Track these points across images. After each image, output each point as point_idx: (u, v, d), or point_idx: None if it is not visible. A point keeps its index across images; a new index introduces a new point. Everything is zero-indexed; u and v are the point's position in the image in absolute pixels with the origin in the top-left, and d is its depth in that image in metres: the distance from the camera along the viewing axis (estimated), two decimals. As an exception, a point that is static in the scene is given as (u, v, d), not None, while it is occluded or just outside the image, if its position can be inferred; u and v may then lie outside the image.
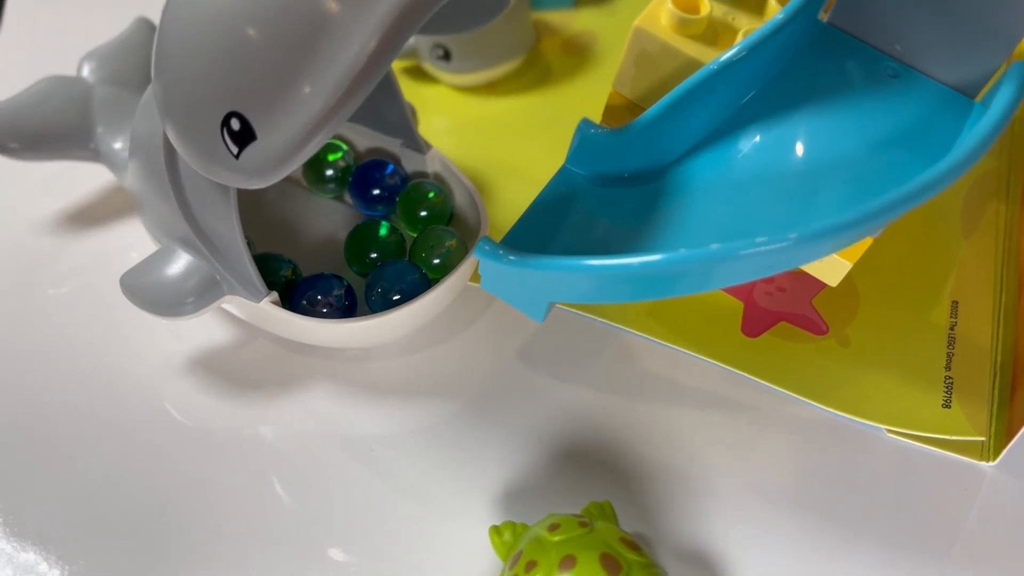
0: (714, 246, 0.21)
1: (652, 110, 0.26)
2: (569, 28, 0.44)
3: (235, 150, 0.23)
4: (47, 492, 0.28)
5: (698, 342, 0.31)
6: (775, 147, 0.25)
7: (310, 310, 0.29)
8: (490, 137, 0.39)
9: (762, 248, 0.20)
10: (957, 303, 0.31)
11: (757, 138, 0.25)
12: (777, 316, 0.31)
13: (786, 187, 0.24)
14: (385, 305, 0.29)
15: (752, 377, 0.30)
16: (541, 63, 0.42)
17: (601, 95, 0.40)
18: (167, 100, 0.24)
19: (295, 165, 0.22)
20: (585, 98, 0.40)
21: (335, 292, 0.29)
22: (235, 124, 0.22)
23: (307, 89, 0.21)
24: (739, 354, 0.30)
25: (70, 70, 0.36)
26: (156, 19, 0.37)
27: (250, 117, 0.22)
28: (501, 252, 0.23)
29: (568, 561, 0.22)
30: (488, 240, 0.24)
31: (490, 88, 0.41)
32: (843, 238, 0.21)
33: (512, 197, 0.36)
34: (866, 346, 0.31)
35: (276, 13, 0.21)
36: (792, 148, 0.25)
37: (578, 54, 0.43)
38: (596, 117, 0.39)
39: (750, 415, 0.30)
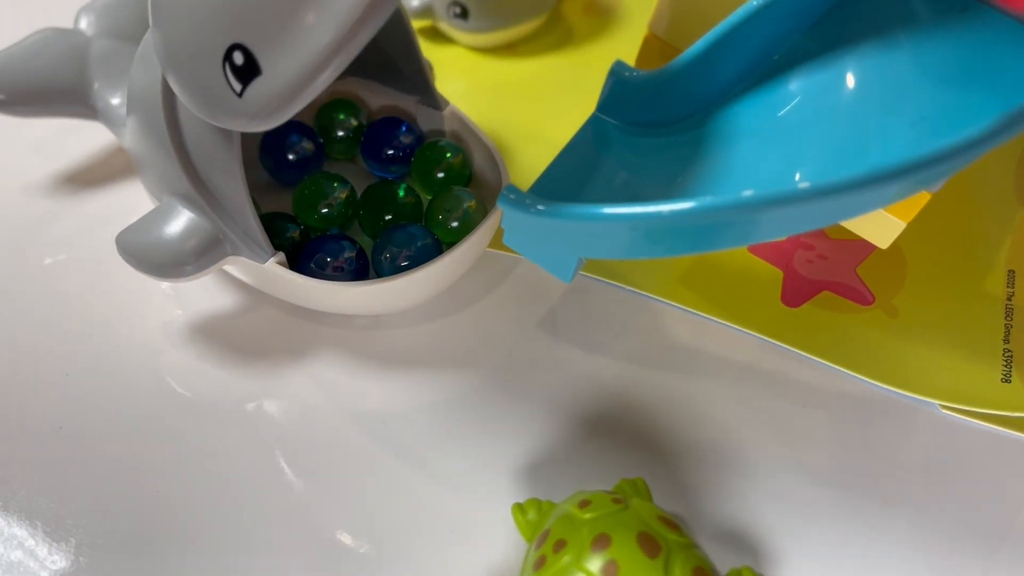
0: (761, 190, 0.18)
1: (692, 50, 0.23)
2: (592, -12, 0.42)
3: (238, 87, 0.21)
4: (39, 464, 0.26)
5: (734, 311, 0.29)
6: (829, 88, 0.22)
7: (319, 273, 0.27)
8: (509, 100, 0.37)
9: (816, 191, 0.18)
10: (1014, 272, 0.29)
11: (809, 78, 0.23)
12: (819, 285, 0.29)
13: (841, 130, 0.22)
14: (393, 271, 0.27)
15: (793, 348, 0.28)
16: (562, 24, 0.40)
17: (625, 56, 0.38)
18: (166, 41, 0.22)
19: (302, 104, 0.20)
20: (608, 60, 0.38)
21: (345, 254, 0.27)
22: (238, 58, 0.21)
23: (314, 16, 0.19)
24: (778, 324, 0.28)
25: (67, 22, 0.34)
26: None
27: (254, 48, 0.20)
28: (528, 201, 0.21)
29: (602, 540, 0.20)
30: (513, 188, 0.22)
31: (509, 49, 0.39)
32: (907, 182, 0.19)
33: (533, 161, 0.34)
34: (916, 317, 0.28)
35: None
36: (849, 88, 0.22)
37: (601, 15, 0.41)
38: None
39: (790, 389, 0.28)
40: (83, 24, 0.33)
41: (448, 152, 0.30)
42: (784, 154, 0.22)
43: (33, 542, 0.25)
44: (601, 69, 0.37)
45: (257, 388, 0.28)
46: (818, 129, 0.22)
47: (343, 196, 0.29)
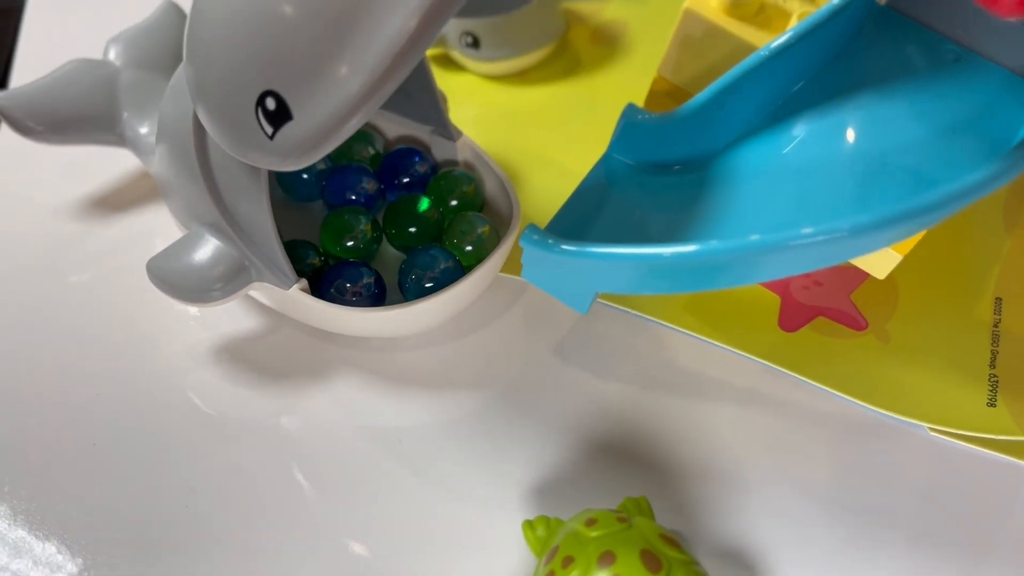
0: (768, 235, 0.20)
1: (701, 96, 0.25)
2: (599, 17, 0.43)
3: (270, 130, 0.22)
4: (68, 480, 0.28)
5: (734, 336, 0.30)
6: (830, 135, 0.24)
7: (338, 298, 0.28)
8: (519, 127, 0.38)
9: (818, 238, 0.20)
10: (1001, 300, 0.31)
11: (811, 125, 0.24)
12: (815, 311, 0.31)
13: (842, 176, 0.23)
14: (419, 291, 0.28)
15: (790, 372, 0.29)
16: (570, 52, 0.42)
17: (631, 85, 0.39)
18: (200, 80, 0.24)
19: (331, 147, 0.22)
20: (615, 89, 0.40)
21: (364, 280, 0.29)
22: (270, 103, 0.22)
23: (345, 68, 0.21)
24: (776, 349, 0.30)
25: (96, 53, 0.35)
26: (184, 3, 0.37)
27: (286, 96, 0.22)
28: (551, 241, 0.23)
29: (607, 557, 0.21)
30: (535, 228, 0.24)
31: (519, 77, 0.40)
32: (902, 229, 0.20)
33: (542, 187, 0.35)
34: (907, 342, 0.30)
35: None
36: (849, 136, 0.24)
37: (608, 44, 0.42)
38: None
39: (787, 411, 0.29)
40: (112, 55, 0.34)
41: (461, 181, 0.32)
42: (788, 198, 0.23)
43: (69, 554, 0.26)
44: (607, 97, 0.39)
45: (278, 406, 0.29)
46: (821, 174, 0.23)
47: (367, 228, 0.30)
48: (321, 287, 0.29)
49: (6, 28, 0.45)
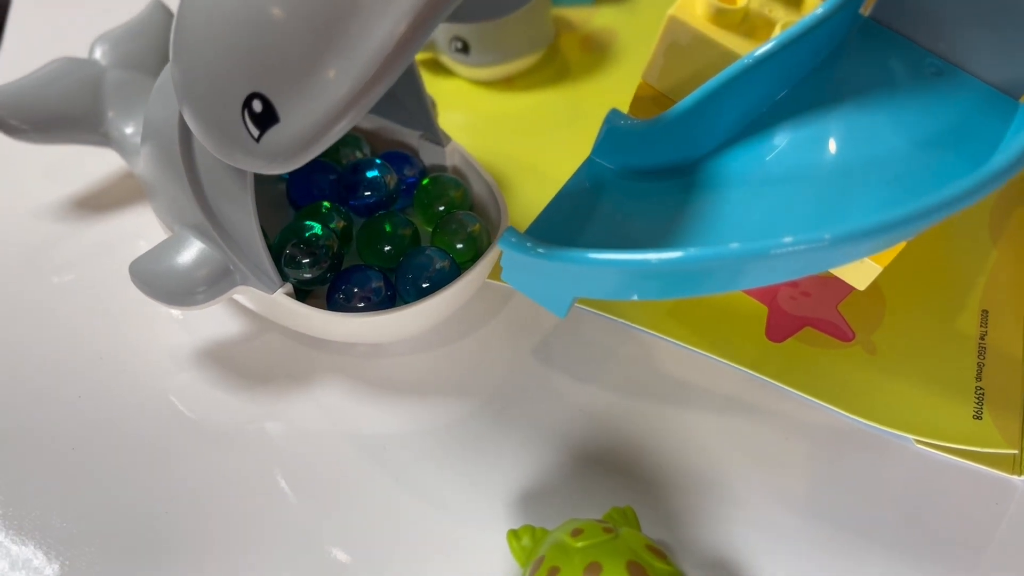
0: (747, 244, 0.20)
1: (684, 102, 0.25)
2: (588, 25, 0.43)
3: (256, 133, 0.22)
4: (47, 483, 0.27)
5: (720, 345, 0.30)
6: (812, 144, 0.24)
7: (347, 305, 0.28)
8: (507, 133, 0.38)
9: (798, 247, 0.20)
10: (987, 312, 0.31)
11: (793, 134, 0.24)
12: (802, 321, 0.31)
13: (822, 185, 0.23)
14: (417, 293, 0.28)
15: (776, 382, 0.29)
16: (559, 59, 0.42)
17: (620, 93, 0.39)
18: (186, 81, 0.23)
19: (318, 151, 0.22)
20: (603, 96, 0.40)
21: (373, 284, 0.28)
22: (257, 106, 0.22)
23: (333, 71, 0.20)
24: (763, 359, 0.30)
25: (82, 50, 0.35)
26: (172, 3, 0.36)
27: (273, 98, 0.21)
28: (529, 244, 0.23)
29: (593, 568, 0.21)
30: (513, 231, 0.23)
31: (507, 83, 0.40)
32: (881, 240, 0.20)
33: (529, 194, 0.35)
34: (893, 354, 0.30)
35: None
36: (829, 145, 0.24)
37: (597, 51, 0.42)
38: (616, 115, 0.38)
39: (773, 421, 0.29)
40: (98, 54, 0.34)
41: (450, 187, 0.31)
42: (770, 206, 0.23)
43: (45, 559, 0.26)
44: (595, 104, 0.39)
45: (260, 411, 0.29)
46: (802, 183, 0.23)
47: (407, 234, 0.30)
48: (329, 294, 0.28)
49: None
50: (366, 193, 0.31)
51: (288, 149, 0.22)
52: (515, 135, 0.38)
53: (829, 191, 0.23)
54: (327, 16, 0.20)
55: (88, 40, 0.35)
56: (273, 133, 0.22)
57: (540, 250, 0.22)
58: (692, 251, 0.20)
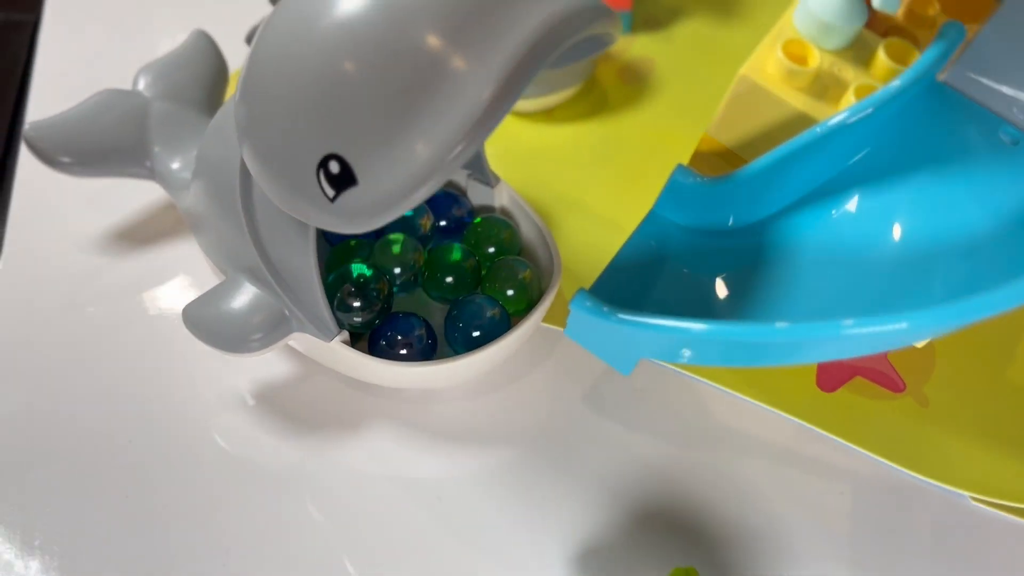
0: (829, 323, 0.20)
1: (754, 165, 0.25)
2: (626, 54, 0.43)
3: (331, 194, 0.21)
4: (86, 518, 0.27)
5: (772, 394, 0.30)
6: (883, 213, 0.24)
7: (389, 351, 0.28)
8: (548, 165, 0.38)
9: (873, 329, 0.20)
10: (1037, 363, 0.31)
11: (864, 201, 0.24)
12: (852, 370, 0.31)
13: (893, 257, 0.23)
14: (466, 342, 0.28)
15: (828, 434, 0.29)
16: (598, 90, 0.41)
17: (658, 126, 0.39)
18: (255, 131, 0.22)
19: (397, 215, 0.21)
20: (642, 129, 0.39)
21: (416, 332, 0.28)
22: (334, 167, 0.21)
23: (418, 140, 0.20)
24: (814, 409, 0.30)
25: (115, 68, 0.34)
26: (212, 32, 0.36)
27: (352, 162, 0.21)
28: (606, 310, 0.22)
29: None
30: (586, 294, 0.23)
31: (547, 115, 0.40)
32: (957, 324, 0.20)
33: (573, 229, 0.35)
34: (945, 406, 0.30)
35: (391, 56, 0.20)
36: (901, 215, 0.24)
37: (636, 82, 0.42)
38: (655, 149, 0.38)
39: (827, 473, 0.29)
40: (141, 85, 0.34)
41: (500, 228, 0.31)
42: (843, 276, 0.23)
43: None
44: (635, 137, 0.39)
45: (309, 455, 0.29)
46: (873, 253, 0.23)
47: (470, 265, 0.30)
48: (371, 341, 0.28)
49: (21, 42, 0.44)
50: (442, 223, 0.31)
51: (364, 212, 0.21)
52: (556, 168, 0.38)
53: (900, 264, 0.23)
54: (413, 83, 0.20)
55: (120, 55, 0.34)
56: (349, 195, 0.21)
57: (617, 316, 0.22)
58: (775, 327, 0.20)
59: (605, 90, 0.41)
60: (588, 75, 0.40)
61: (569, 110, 0.40)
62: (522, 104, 0.39)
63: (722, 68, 0.35)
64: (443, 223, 0.32)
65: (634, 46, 0.43)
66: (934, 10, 0.32)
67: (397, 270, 0.30)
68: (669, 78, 0.42)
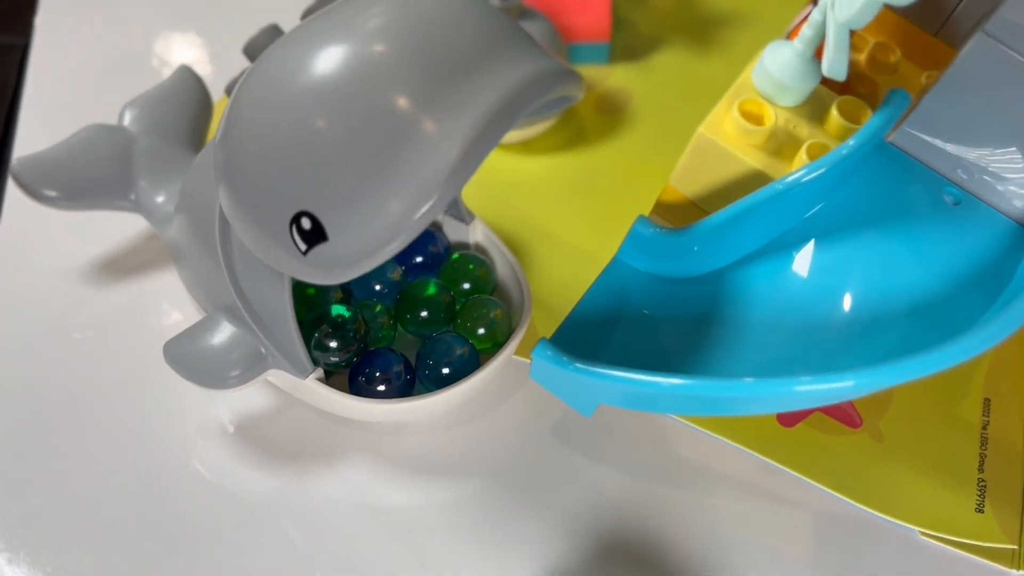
0: (774, 381, 0.21)
1: (712, 219, 0.26)
2: (603, 84, 0.44)
3: (303, 247, 0.22)
4: (66, 546, 0.28)
5: (733, 430, 0.31)
6: (833, 268, 0.25)
7: (368, 388, 0.29)
8: (523, 198, 0.39)
9: (819, 387, 0.21)
10: (989, 401, 0.32)
11: (816, 255, 0.25)
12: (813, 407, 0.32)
13: (842, 312, 0.24)
14: (436, 379, 0.29)
15: (786, 468, 0.30)
16: (575, 121, 0.42)
17: (636, 156, 0.40)
18: (233, 182, 0.23)
19: (367, 269, 0.22)
20: (618, 161, 0.40)
21: (394, 368, 0.29)
22: (306, 223, 0.22)
23: (386, 199, 0.21)
24: (774, 444, 0.31)
25: (104, 94, 0.35)
26: (197, 67, 0.37)
27: (323, 220, 0.22)
28: (565, 359, 0.23)
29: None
30: (547, 344, 0.24)
31: (525, 147, 0.41)
32: (900, 381, 0.21)
33: (547, 261, 0.36)
34: (899, 442, 0.31)
35: (362, 117, 0.21)
36: (852, 272, 0.25)
37: (613, 113, 0.43)
38: (631, 182, 0.39)
39: (786, 507, 0.30)
40: (127, 120, 0.34)
41: (476, 265, 0.32)
42: (791, 329, 0.24)
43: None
44: (611, 170, 0.40)
45: (285, 485, 0.30)
46: (822, 308, 0.24)
47: (444, 300, 0.31)
48: (351, 378, 0.29)
49: (11, 64, 0.44)
50: (418, 259, 0.32)
51: (337, 266, 0.22)
52: (532, 200, 0.39)
53: (849, 319, 0.24)
54: (383, 144, 0.21)
55: (108, 91, 0.35)
56: (321, 250, 0.22)
57: (575, 365, 0.23)
58: (726, 383, 0.21)
59: (582, 121, 0.42)
60: (564, 108, 0.40)
61: (546, 141, 0.41)
62: (500, 136, 0.40)
63: (699, 100, 0.36)
64: (419, 259, 0.33)
65: (612, 76, 0.44)
66: (895, 57, 0.33)
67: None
68: (646, 109, 0.43)
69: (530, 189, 0.39)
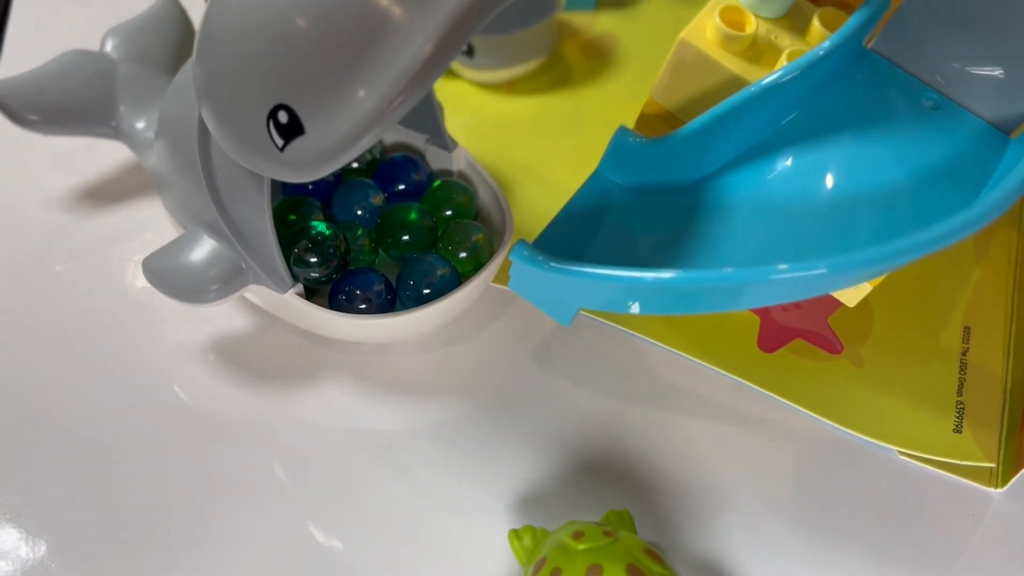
0: (747, 269, 0.21)
1: (691, 125, 0.26)
2: (590, 30, 0.44)
3: (280, 143, 0.23)
4: (57, 473, 0.28)
5: (714, 354, 0.31)
6: (812, 171, 0.25)
7: (347, 305, 0.29)
8: (510, 136, 0.39)
9: (793, 275, 0.21)
10: (969, 329, 0.32)
11: (795, 160, 0.25)
12: (793, 332, 0.32)
13: (821, 211, 0.24)
14: (417, 298, 0.29)
15: (766, 392, 0.30)
16: (562, 64, 0.42)
17: (621, 100, 0.40)
18: (210, 86, 0.24)
19: (342, 163, 0.22)
20: (604, 103, 0.40)
21: (375, 287, 0.29)
22: (283, 117, 0.22)
23: (361, 89, 0.21)
24: (754, 368, 0.31)
25: (86, 41, 0.35)
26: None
27: (300, 111, 0.22)
28: (540, 258, 0.23)
29: (594, 570, 0.22)
30: (525, 244, 0.24)
31: (511, 87, 0.41)
32: (874, 271, 0.21)
33: (531, 198, 0.36)
34: (879, 368, 0.31)
35: (334, 8, 0.21)
36: (829, 173, 0.25)
37: (599, 56, 0.43)
38: (616, 122, 0.39)
39: (763, 429, 0.30)
40: (109, 47, 0.34)
41: (458, 192, 0.32)
42: (771, 229, 0.24)
43: (49, 551, 0.26)
44: (597, 110, 0.40)
45: (266, 406, 0.30)
46: (802, 209, 0.25)
47: (426, 225, 0.31)
48: (331, 296, 0.29)
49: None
50: (400, 187, 0.32)
51: (312, 160, 0.22)
52: (518, 139, 0.39)
53: (829, 217, 0.24)
54: (357, 35, 0.21)
55: (92, 27, 0.35)
56: (298, 144, 0.22)
57: (553, 264, 0.23)
58: (697, 273, 0.21)
59: (569, 64, 0.42)
60: (551, 48, 0.40)
61: (532, 83, 0.41)
62: (485, 75, 0.40)
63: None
64: (402, 187, 0.33)
65: (599, 22, 0.44)
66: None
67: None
68: (632, 54, 0.43)
69: (515, 128, 0.39)
